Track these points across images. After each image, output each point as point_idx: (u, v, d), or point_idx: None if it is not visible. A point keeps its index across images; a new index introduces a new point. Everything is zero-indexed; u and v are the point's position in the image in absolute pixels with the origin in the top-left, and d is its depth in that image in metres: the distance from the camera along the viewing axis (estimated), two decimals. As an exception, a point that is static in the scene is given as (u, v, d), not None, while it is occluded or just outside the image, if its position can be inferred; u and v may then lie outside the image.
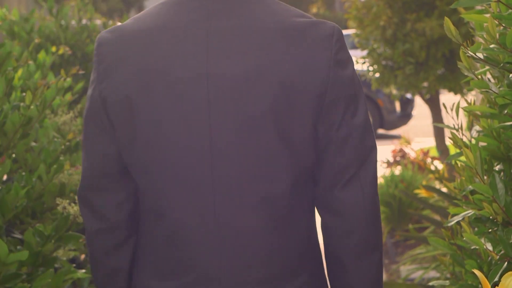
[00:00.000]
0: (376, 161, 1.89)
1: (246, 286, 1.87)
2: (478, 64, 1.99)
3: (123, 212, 1.94)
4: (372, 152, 1.87)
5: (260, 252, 1.87)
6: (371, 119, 14.09)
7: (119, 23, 5.92)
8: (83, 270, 2.83)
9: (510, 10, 1.85)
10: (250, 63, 1.80)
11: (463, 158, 2.24)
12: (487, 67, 1.95)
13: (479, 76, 1.95)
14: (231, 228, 1.85)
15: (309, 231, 1.92)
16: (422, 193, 6.06)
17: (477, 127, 2.19)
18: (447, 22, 1.89)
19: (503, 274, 1.77)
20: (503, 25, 1.89)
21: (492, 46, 1.81)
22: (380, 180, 7.09)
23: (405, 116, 14.28)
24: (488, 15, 1.91)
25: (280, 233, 1.88)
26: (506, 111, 1.92)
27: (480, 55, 1.88)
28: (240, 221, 1.85)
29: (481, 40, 1.95)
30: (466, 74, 1.91)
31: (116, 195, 1.93)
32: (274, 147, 1.82)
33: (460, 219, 2.06)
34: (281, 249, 1.88)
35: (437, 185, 6.82)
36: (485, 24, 1.81)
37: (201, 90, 1.81)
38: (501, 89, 1.91)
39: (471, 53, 1.88)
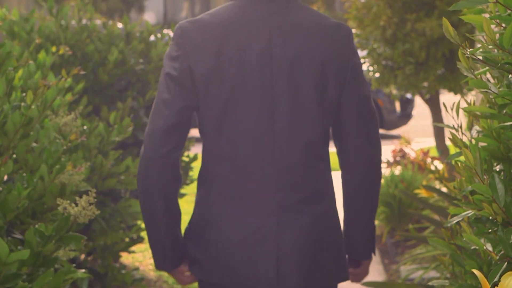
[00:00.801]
0: (377, 124, 2.75)
1: (291, 206, 2.68)
2: (478, 65, 1.99)
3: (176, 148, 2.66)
4: (375, 116, 2.75)
5: (301, 181, 2.69)
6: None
7: (119, 23, 5.93)
8: (83, 270, 2.83)
9: (508, 11, 1.85)
10: (300, 49, 2.63)
11: (463, 158, 2.24)
12: (486, 68, 1.95)
13: (479, 76, 1.95)
14: (283, 164, 2.67)
15: (329, 169, 2.77)
16: (422, 193, 6.06)
17: (477, 127, 2.19)
18: (445, 23, 1.90)
19: (503, 274, 1.77)
20: (503, 25, 1.90)
21: (490, 47, 1.81)
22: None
23: (405, 116, 14.28)
24: (485, 15, 1.91)
25: (315, 168, 2.72)
26: (505, 111, 1.92)
27: (479, 55, 1.88)
28: (290, 160, 2.67)
29: (481, 39, 1.95)
30: (465, 74, 1.92)
31: (176, 135, 2.64)
32: (314, 107, 2.65)
33: (460, 219, 2.06)
34: (314, 179, 2.72)
35: (437, 185, 6.82)
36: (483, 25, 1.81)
37: (267, 67, 2.62)
38: (500, 89, 1.91)
39: (470, 54, 1.88)
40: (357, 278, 2.96)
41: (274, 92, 2.62)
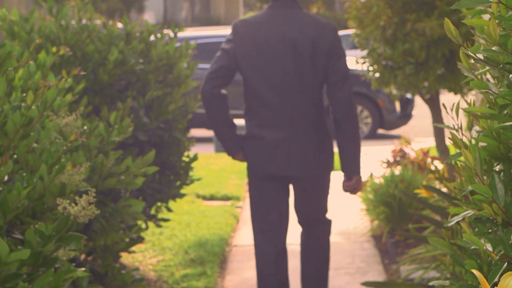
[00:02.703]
0: (350, 81, 4.64)
1: (298, 128, 4.66)
2: (479, 65, 1.99)
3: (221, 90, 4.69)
4: (348, 76, 4.64)
5: (304, 115, 4.67)
6: (371, 119, 14.11)
7: (119, 23, 5.93)
8: (83, 269, 2.83)
9: (510, 12, 1.85)
10: (301, 35, 4.60)
11: (463, 158, 2.24)
12: (487, 68, 1.95)
13: (479, 77, 1.95)
14: (293, 105, 4.65)
15: (322, 110, 4.73)
16: (422, 193, 6.06)
17: (477, 127, 2.19)
18: (447, 22, 1.90)
19: (503, 275, 1.77)
20: (503, 26, 1.89)
21: (494, 48, 1.81)
22: (380, 180, 7.09)
23: (405, 116, 14.27)
24: (487, 16, 1.91)
25: (312, 108, 4.68)
26: (505, 111, 1.92)
27: (480, 55, 1.88)
28: (297, 102, 4.66)
29: (481, 41, 1.95)
30: (466, 74, 1.92)
31: (219, 81, 4.67)
32: (309, 69, 4.61)
33: (460, 219, 2.06)
34: (312, 114, 4.69)
35: (437, 185, 6.82)
36: (485, 26, 1.81)
37: (281, 46, 4.62)
38: (501, 89, 1.91)
39: (471, 54, 1.88)
40: (350, 189, 4.83)
41: (285, 60, 4.63)
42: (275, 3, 4.71)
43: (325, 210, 4.94)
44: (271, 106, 4.64)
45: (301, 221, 4.98)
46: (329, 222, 4.99)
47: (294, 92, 4.62)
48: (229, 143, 4.76)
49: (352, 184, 4.79)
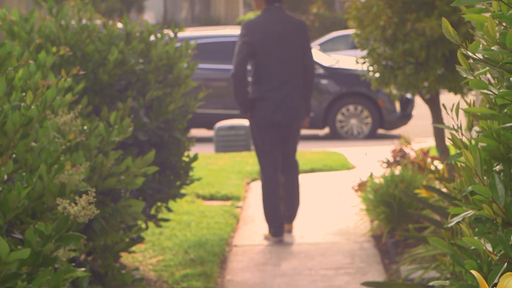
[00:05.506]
0: (313, 58, 7.41)
1: (289, 91, 7.11)
2: (479, 65, 1.98)
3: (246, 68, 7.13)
4: (313, 58, 7.40)
5: (294, 83, 7.16)
6: (371, 119, 14.12)
7: (119, 23, 5.93)
8: (83, 269, 2.83)
9: (511, 11, 1.85)
10: (293, 30, 7.19)
11: (462, 158, 2.24)
12: (486, 68, 1.94)
13: (478, 77, 1.94)
14: (287, 76, 7.12)
15: (302, 78, 7.27)
16: (422, 193, 6.06)
17: (476, 128, 2.19)
18: (445, 23, 1.89)
19: (503, 275, 1.77)
20: (504, 24, 1.89)
21: (493, 47, 1.81)
22: (380, 180, 7.09)
23: (405, 116, 14.25)
24: (487, 14, 1.91)
25: (300, 76, 7.18)
26: (505, 111, 1.92)
27: (479, 55, 1.88)
28: (289, 73, 7.13)
29: (481, 40, 1.95)
30: (465, 76, 1.91)
31: (246, 64, 7.07)
32: (299, 51, 7.18)
33: (460, 219, 2.06)
34: (298, 82, 7.19)
35: (437, 185, 6.81)
36: (485, 24, 1.80)
37: (281, 37, 7.13)
38: (500, 90, 1.91)
39: (470, 54, 1.87)
40: (307, 122, 7.36)
41: (285, 46, 7.03)
42: (270, 8, 7.13)
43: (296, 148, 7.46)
44: (276, 76, 7.01)
45: (284, 163, 7.28)
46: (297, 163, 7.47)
47: (290, 66, 7.04)
48: (246, 107, 7.04)
49: (308, 119, 7.35)
